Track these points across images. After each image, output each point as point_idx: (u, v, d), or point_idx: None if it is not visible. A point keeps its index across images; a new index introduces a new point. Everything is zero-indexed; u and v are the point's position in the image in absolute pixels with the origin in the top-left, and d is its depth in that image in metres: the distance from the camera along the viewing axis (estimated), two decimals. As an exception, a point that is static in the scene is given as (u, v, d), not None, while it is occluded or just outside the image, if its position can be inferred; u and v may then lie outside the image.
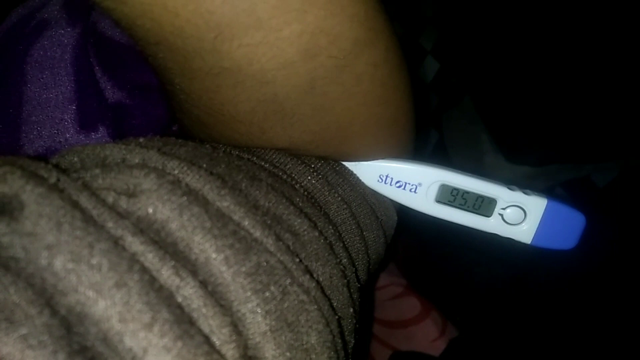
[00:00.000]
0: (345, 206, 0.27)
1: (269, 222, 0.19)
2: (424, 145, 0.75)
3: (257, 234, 0.18)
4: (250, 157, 0.25)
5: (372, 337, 0.66)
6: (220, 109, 0.23)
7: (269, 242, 0.18)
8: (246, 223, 0.18)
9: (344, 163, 0.29)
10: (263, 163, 0.24)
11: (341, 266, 0.23)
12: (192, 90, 0.23)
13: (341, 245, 0.24)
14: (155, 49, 0.21)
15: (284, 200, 0.21)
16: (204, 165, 0.20)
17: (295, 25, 0.20)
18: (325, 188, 0.26)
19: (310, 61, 0.21)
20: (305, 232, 0.21)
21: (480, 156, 0.69)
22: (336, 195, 0.27)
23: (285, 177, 0.24)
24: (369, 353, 0.66)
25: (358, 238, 0.27)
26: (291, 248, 0.19)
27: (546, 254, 0.31)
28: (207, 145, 0.23)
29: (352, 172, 0.29)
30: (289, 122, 0.24)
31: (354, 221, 0.27)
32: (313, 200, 0.24)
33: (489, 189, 0.29)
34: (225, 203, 0.18)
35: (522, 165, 0.66)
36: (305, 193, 0.24)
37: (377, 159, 0.29)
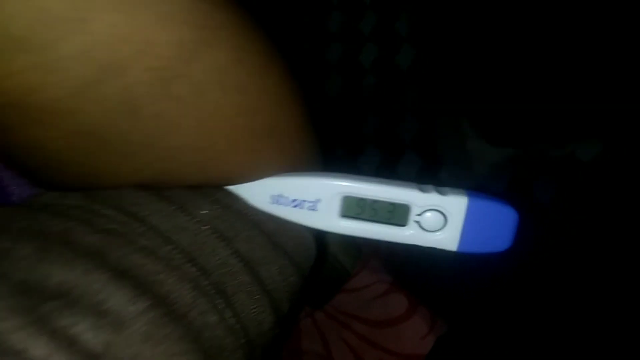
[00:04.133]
0: (223, 244, 0.23)
1: (47, 313, 0.15)
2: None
3: (17, 338, 0.14)
4: (88, 204, 0.21)
5: (360, 339, 0.63)
6: (30, 152, 0.19)
7: (38, 345, 0.14)
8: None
9: (226, 188, 0.25)
10: (101, 212, 0.21)
11: (195, 331, 0.19)
12: None
13: (206, 301, 0.20)
14: None
15: (94, 269, 0.17)
16: None
17: (77, 38, 0.16)
18: (192, 227, 0.22)
19: (117, 79, 0.17)
20: (125, 307, 0.17)
21: (462, 142, 0.65)
22: (209, 232, 0.23)
23: (125, 228, 0.20)
24: (358, 355, 0.62)
25: (248, 278, 0.23)
26: (83, 339, 0.15)
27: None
28: (8, 209, 0.19)
29: (237, 198, 0.25)
30: (123, 154, 0.20)
31: (237, 260, 0.23)
32: (163, 249, 0.20)
33: (398, 194, 0.25)
34: None
35: (505, 147, 0.62)
36: (155, 242, 0.20)
37: (263, 177, 0.25)
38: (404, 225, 0.26)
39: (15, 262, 0.16)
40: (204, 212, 0.23)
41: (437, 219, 0.25)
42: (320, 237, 0.30)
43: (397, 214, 0.25)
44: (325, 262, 0.55)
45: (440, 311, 0.61)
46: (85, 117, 0.18)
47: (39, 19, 0.15)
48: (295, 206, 0.25)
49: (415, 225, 0.25)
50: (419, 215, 0.25)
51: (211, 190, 0.24)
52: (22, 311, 0.15)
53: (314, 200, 0.25)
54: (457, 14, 0.62)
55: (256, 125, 0.22)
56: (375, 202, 0.25)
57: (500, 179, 0.65)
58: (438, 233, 0.25)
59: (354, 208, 0.26)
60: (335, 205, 0.25)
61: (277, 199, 0.25)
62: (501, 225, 0.25)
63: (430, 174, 0.70)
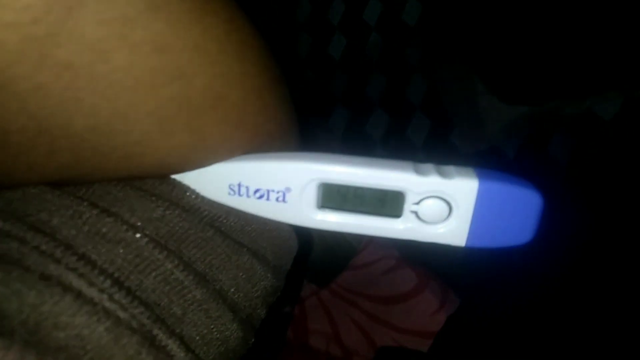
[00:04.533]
0: (164, 256, 0.18)
1: None
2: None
3: None
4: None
5: (368, 317, 0.59)
6: None
7: None
8: None
9: (172, 178, 0.20)
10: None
11: None
12: None
13: (140, 338, 0.16)
14: None
15: None
16: None
17: None
18: (122, 236, 0.17)
19: None
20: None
21: (474, 99, 0.59)
22: (144, 242, 0.18)
23: (23, 247, 0.15)
24: (366, 333, 0.59)
25: (200, 293, 0.18)
26: None
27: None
28: None
29: (186, 190, 0.20)
30: (11, 146, 0.15)
31: (185, 273, 0.18)
32: (74, 273, 0.16)
33: (390, 179, 0.20)
34: None
35: (519, 105, 0.55)
36: (64, 264, 0.15)
37: (214, 162, 0.20)
38: (397, 217, 0.20)
39: None
40: (138, 214, 0.18)
41: (439, 208, 0.20)
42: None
43: (389, 204, 0.20)
44: (312, 249, 0.50)
45: (452, 286, 0.57)
46: None
47: None
48: (259, 198, 0.20)
49: (412, 216, 0.20)
50: (417, 204, 0.20)
51: (149, 183, 0.19)
52: None
53: (282, 190, 0.20)
54: None
55: (192, 94, 0.17)
56: (360, 189, 0.20)
57: (514, 138, 0.58)
58: (440, 225, 0.20)
59: (334, 197, 0.20)
60: (310, 195, 0.20)
61: (236, 190, 0.20)
62: (521, 212, 0.20)
63: (441, 136, 0.64)
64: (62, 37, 0.13)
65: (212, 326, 0.19)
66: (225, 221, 0.21)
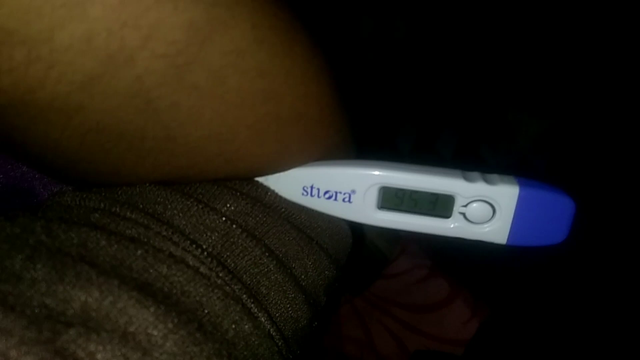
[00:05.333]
0: (253, 242, 0.21)
1: (67, 343, 0.14)
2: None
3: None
4: (108, 206, 0.20)
5: (401, 324, 0.61)
6: (45, 152, 0.18)
7: None
8: None
9: (255, 180, 0.24)
10: (122, 215, 0.19)
11: (228, 344, 0.18)
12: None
13: (239, 309, 0.19)
14: None
15: (116, 287, 0.16)
16: None
17: (73, 26, 0.14)
18: (221, 226, 0.21)
19: (126, 69, 0.16)
20: (151, 328, 0.16)
21: (503, 114, 0.61)
22: (239, 231, 0.21)
23: (149, 232, 0.19)
24: (399, 340, 0.61)
25: (281, 276, 0.22)
26: None
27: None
28: (23, 221, 0.18)
29: (267, 190, 0.24)
30: (142, 149, 0.19)
31: (270, 258, 0.22)
32: (191, 255, 0.19)
33: (441, 184, 0.23)
34: None
35: (548, 118, 0.58)
36: (181, 247, 0.19)
37: (292, 167, 0.23)
38: (447, 217, 0.23)
39: (32, 285, 0.15)
40: (232, 208, 0.22)
41: (484, 210, 0.23)
42: (357, 225, 0.28)
43: (440, 205, 0.23)
44: (363, 249, 0.54)
45: (483, 295, 0.59)
46: (95, 114, 0.17)
47: (29, 7, 0.14)
48: (328, 198, 0.24)
49: (460, 217, 0.23)
50: (465, 206, 0.23)
51: (238, 183, 0.23)
52: (41, 345, 0.14)
53: (349, 192, 0.24)
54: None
55: (281, 111, 0.21)
56: (415, 192, 0.23)
57: (544, 151, 0.61)
58: (485, 225, 0.23)
59: (393, 199, 0.24)
60: (372, 197, 0.24)
61: (309, 191, 0.24)
62: (556, 216, 0.23)
63: (470, 150, 0.67)
64: (195, 65, 0.17)
65: (288, 305, 0.22)
66: (298, 218, 0.24)
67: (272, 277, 0.22)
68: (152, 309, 0.16)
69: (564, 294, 0.52)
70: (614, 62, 0.51)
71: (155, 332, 0.16)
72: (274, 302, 0.22)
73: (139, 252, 0.18)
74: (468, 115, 0.66)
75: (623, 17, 0.49)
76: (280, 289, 0.22)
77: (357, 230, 0.29)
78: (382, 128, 0.73)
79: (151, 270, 0.18)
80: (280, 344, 0.21)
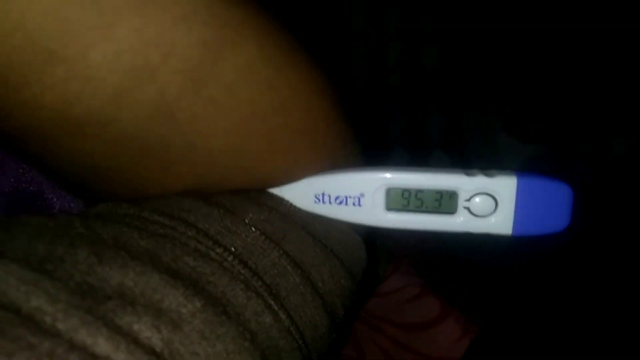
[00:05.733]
0: (272, 245, 0.23)
1: (107, 311, 0.15)
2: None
3: (78, 336, 0.14)
4: (137, 212, 0.21)
5: (393, 342, 0.61)
6: (77, 163, 0.20)
7: (98, 343, 0.14)
8: (61, 325, 0.14)
9: (270, 191, 0.25)
10: (150, 219, 0.21)
11: (251, 332, 0.19)
12: (33, 151, 0.20)
13: (260, 302, 0.20)
14: None
15: (149, 270, 0.17)
16: (31, 254, 0.16)
17: (106, 45, 0.16)
18: (241, 229, 0.22)
19: (149, 84, 0.18)
20: (181, 306, 0.17)
21: (492, 138, 0.64)
22: (258, 234, 0.22)
23: (176, 232, 0.20)
24: (391, 358, 0.60)
25: (299, 279, 0.23)
26: (143, 337, 0.15)
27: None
28: (62, 217, 0.19)
29: (281, 199, 0.25)
30: (165, 159, 0.21)
31: (288, 261, 0.23)
32: (214, 252, 0.20)
33: (444, 181, 0.24)
34: (33, 303, 0.14)
35: (536, 143, 0.60)
36: (205, 245, 0.20)
37: (304, 177, 0.25)
38: (453, 213, 0.25)
39: (74, 265, 0.16)
40: (251, 215, 0.23)
41: (487, 202, 0.24)
42: (370, 240, 0.30)
43: (445, 202, 0.25)
44: (378, 265, 0.54)
45: (473, 314, 0.59)
46: (124, 125, 0.18)
47: (67, 30, 0.16)
48: (339, 203, 0.25)
49: (465, 211, 0.25)
50: (468, 200, 0.24)
51: (255, 193, 0.24)
52: (85, 310, 0.15)
53: (358, 195, 0.25)
54: (480, 14, 0.62)
55: (292, 123, 0.23)
56: (420, 191, 0.25)
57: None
58: (490, 217, 0.24)
59: (400, 200, 0.25)
60: (380, 199, 0.25)
61: (320, 198, 0.25)
62: (556, 203, 0.24)
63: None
64: (209, 79, 0.19)
65: (307, 309, 0.23)
66: (313, 226, 0.25)
67: (291, 280, 0.23)
68: (181, 290, 0.17)
69: (553, 312, 0.52)
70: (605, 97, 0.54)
71: (184, 310, 0.17)
72: (293, 304, 0.23)
73: (168, 246, 0.19)
74: (458, 139, 0.68)
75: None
76: (298, 292, 0.23)
77: (370, 248, 0.30)
78: (374, 148, 0.75)
79: (179, 262, 0.19)
80: (300, 343, 0.22)
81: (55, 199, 0.33)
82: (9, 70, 0.16)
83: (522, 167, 0.60)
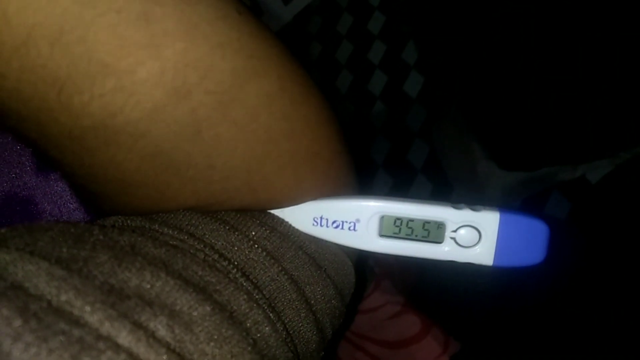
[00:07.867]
0: (272, 262, 0.24)
1: (128, 309, 0.17)
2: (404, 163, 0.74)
3: (104, 328, 0.16)
4: (149, 225, 0.23)
5: None
6: (104, 174, 0.21)
7: (121, 335, 0.16)
8: (88, 317, 0.16)
9: (271, 212, 0.27)
10: (161, 231, 0.22)
11: (252, 338, 0.20)
12: (65, 158, 0.21)
13: (261, 312, 0.22)
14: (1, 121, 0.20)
15: (163, 275, 0.19)
16: (57, 255, 0.17)
17: (151, 63, 0.18)
18: (245, 245, 0.24)
19: (185, 102, 0.20)
20: (192, 310, 0.18)
21: (473, 165, 0.67)
22: (259, 251, 0.24)
23: (185, 244, 0.22)
24: None
25: (295, 295, 0.25)
26: (160, 334, 0.17)
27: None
28: (82, 225, 0.21)
29: (282, 220, 0.27)
30: (186, 176, 0.22)
31: (286, 277, 0.24)
32: (220, 264, 0.22)
33: (433, 212, 0.26)
34: (63, 297, 0.16)
35: (516, 171, 0.63)
36: (212, 257, 0.22)
37: (305, 201, 0.27)
38: (440, 242, 0.27)
39: (96, 267, 0.18)
40: (253, 233, 0.25)
41: (472, 234, 0.26)
42: (359, 266, 0.31)
43: (433, 231, 0.27)
44: (364, 290, 0.56)
45: (453, 331, 0.61)
46: (155, 139, 0.20)
47: (122, 46, 0.18)
48: (336, 227, 0.27)
49: (451, 241, 0.27)
50: (454, 231, 0.27)
51: (257, 213, 0.26)
52: (108, 305, 0.16)
53: (354, 221, 0.27)
54: (462, 40, 0.65)
55: (300, 150, 0.24)
56: (411, 220, 0.27)
57: (511, 202, 0.65)
58: (474, 248, 0.27)
59: (392, 227, 0.27)
60: (374, 225, 0.27)
61: (319, 221, 0.27)
62: (533, 238, 0.26)
63: (441, 198, 0.72)
64: (235, 103, 0.21)
65: (300, 324, 0.25)
66: (309, 247, 0.27)
67: (288, 296, 0.24)
68: (192, 295, 0.19)
69: (532, 330, 0.55)
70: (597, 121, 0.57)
71: (195, 313, 0.18)
72: (288, 318, 0.24)
73: (179, 255, 0.21)
74: (440, 166, 0.71)
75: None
76: (294, 307, 0.25)
77: (360, 273, 0.31)
78: (358, 173, 0.78)
79: (189, 270, 0.20)
80: (294, 355, 0.24)
81: (46, 204, 0.34)
82: (67, 78, 0.17)
83: (501, 195, 0.63)
